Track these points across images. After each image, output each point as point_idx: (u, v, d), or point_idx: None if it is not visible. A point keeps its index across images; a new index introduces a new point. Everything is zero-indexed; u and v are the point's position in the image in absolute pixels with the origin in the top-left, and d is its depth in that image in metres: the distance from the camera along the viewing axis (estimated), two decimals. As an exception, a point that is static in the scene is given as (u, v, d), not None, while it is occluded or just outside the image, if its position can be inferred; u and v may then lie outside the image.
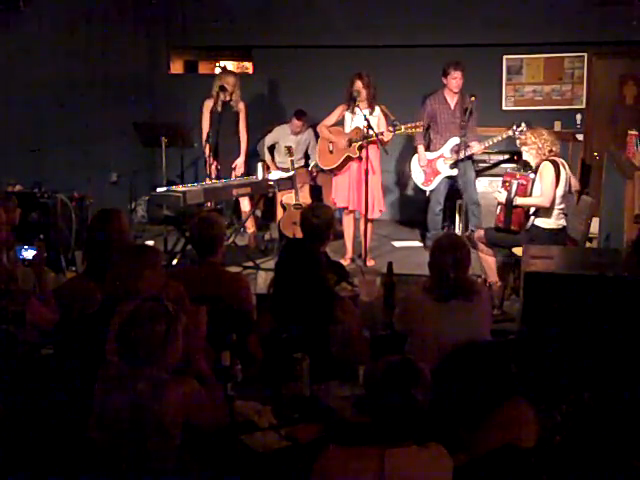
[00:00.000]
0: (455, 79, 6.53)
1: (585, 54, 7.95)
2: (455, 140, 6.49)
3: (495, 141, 6.52)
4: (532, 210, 5.16)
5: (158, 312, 2.56)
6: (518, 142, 5.39)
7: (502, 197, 5.16)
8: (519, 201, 5.10)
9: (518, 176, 5.15)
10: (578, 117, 8.00)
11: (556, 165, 5.06)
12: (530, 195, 5.10)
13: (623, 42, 7.69)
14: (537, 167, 5.13)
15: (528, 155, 5.22)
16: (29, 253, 4.14)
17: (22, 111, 6.47)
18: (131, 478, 2.47)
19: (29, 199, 5.58)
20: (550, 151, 5.12)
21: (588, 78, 7.98)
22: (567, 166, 5.22)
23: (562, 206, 5.15)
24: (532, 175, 5.15)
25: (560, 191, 5.08)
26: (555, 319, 3.71)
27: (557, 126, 7.92)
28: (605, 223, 5.81)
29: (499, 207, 5.24)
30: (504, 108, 8.13)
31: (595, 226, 5.84)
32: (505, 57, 8.09)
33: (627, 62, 7.96)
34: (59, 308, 3.43)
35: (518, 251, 5.00)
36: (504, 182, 5.21)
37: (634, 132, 5.39)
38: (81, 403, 2.65)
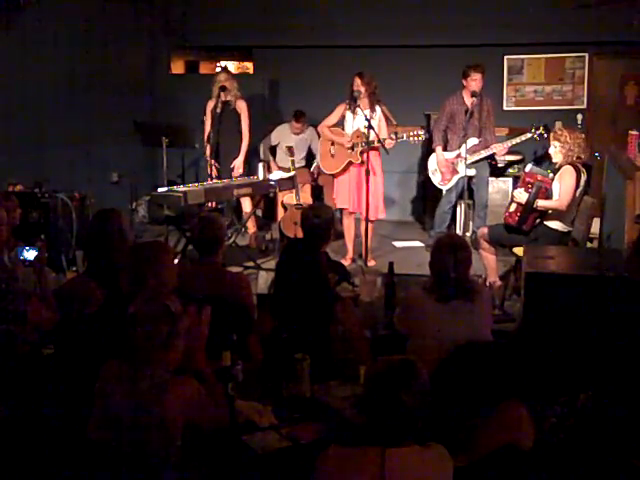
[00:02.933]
0: (475, 81, 6.48)
1: (586, 54, 7.94)
2: (473, 140, 6.47)
3: (514, 143, 6.49)
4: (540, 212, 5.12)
5: (161, 313, 2.56)
6: (552, 135, 5.31)
7: (523, 198, 5.04)
8: (540, 203, 5.02)
9: (539, 178, 5.05)
10: (579, 117, 7.98)
11: (578, 171, 5.03)
12: (550, 197, 5.06)
13: (624, 42, 7.69)
14: (559, 167, 5.09)
15: (556, 152, 5.15)
16: (30, 254, 4.13)
17: (22, 111, 6.48)
18: (131, 478, 2.47)
19: (30, 199, 5.58)
20: (578, 157, 5.06)
21: (589, 78, 7.98)
22: (585, 173, 5.19)
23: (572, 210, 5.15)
24: (550, 175, 5.12)
25: (575, 196, 5.07)
26: (555, 319, 3.71)
27: (558, 126, 7.91)
28: (606, 223, 5.81)
29: (514, 205, 5.12)
30: (505, 108, 8.12)
31: (596, 226, 5.83)
32: (506, 57, 8.09)
33: (628, 62, 7.95)
34: (59, 308, 3.43)
35: (519, 251, 5.00)
36: (526, 183, 5.07)
37: (635, 132, 5.39)
38: (81, 403, 2.65)
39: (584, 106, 8.03)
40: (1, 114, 6.23)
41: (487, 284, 5.24)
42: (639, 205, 4.75)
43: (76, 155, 7.11)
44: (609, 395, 3.22)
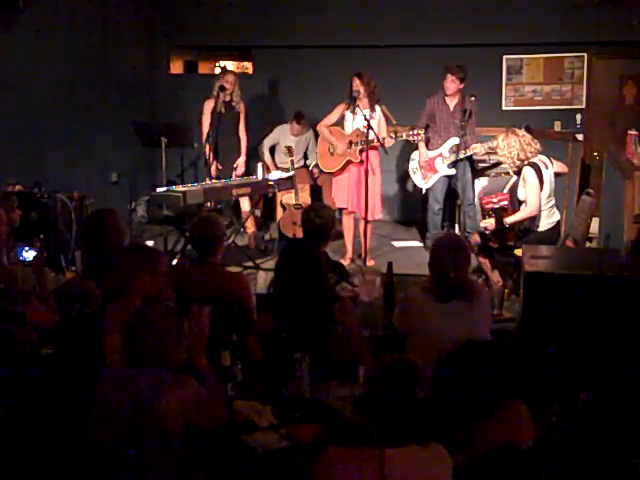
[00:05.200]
0: (446, 82, 6.54)
1: (585, 54, 7.95)
2: (454, 140, 6.48)
3: (492, 145, 6.48)
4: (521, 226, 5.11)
5: (169, 315, 2.56)
6: (494, 144, 5.35)
7: (492, 225, 5.03)
8: (509, 220, 5.02)
9: (496, 200, 5.04)
10: (578, 117, 8.00)
11: (537, 168, 5.01)
12: (517, 204, 5.04)
13: (623, 42, 7.69)
14: (519, 170, 5.09)
15: (504, 161, 5.20)
16: (29, 254, 4.14)
17: (22, 111, 6.48)
18: (131, 478, 2.47)
19: (29, 199, 5.57)
20: (526, 158, 5.01)
21: (588, 78, 7.98)
22: (549, 161, 5.15)
23: (551, 203, 5.14)
24: (513, 179, 5.12)
25: (546, 192, 5.05)
26: (555, 319, 3.71)
27: (557, 126, 7.93)
28: (605, 223, 5.81)
29: (489, 233, 5.10)
30: (504, 108, 8.13)
31: (595, 226, 5.84)
32: (505, 57, 8.09)
33: (627, 62, 7.96)
34: (59, 308, 3.43)
35: (518, 251, 5.00)
36: (487, 211, 5.05)
37: (634, 132, 5.39)
38: (81, 403, 2.65)
39: (583, 106, 8.03)
40: (1, 114, 6.23)
41: (491, 284, 5.22)
42: (638, 205, 4.75)
43: (75, 155, 7.11)
44: (609, 394, 3.22)
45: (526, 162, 5.02)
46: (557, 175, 5.25)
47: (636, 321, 3.58)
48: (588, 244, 5.78)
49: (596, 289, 3.69)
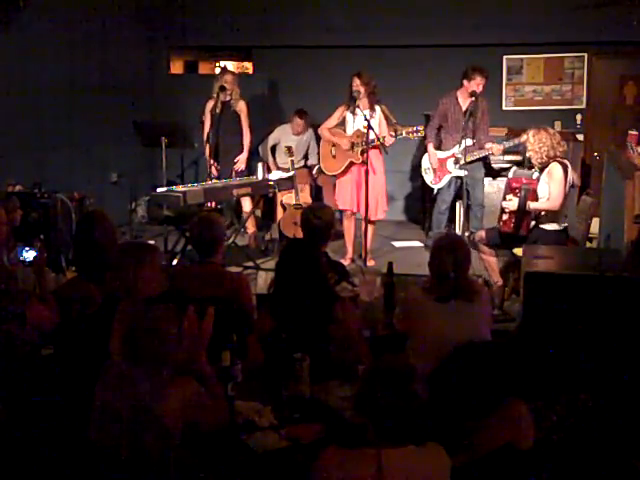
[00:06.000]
0: (479, 85, 6.48)
1: (585, 54, 7.96)
2: (468, 141, 6.46)
3: (511, 144, 6.46)
4: (534, 214, 5.10)
5: (169, 314, 2.56)
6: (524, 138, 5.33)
7: (514, 204, 4.98)
8: (532, 206, 4.98)
9: (525, 181, 5.03)
10: (578, 117, 8.00)
11: (565, 167, 5.02)
12: (537, 197, 5.06)
13: (623, 42, 7.70)
14: (544, 167, 5.08)
15: (530, 156, 5.17)
16: (29, 254, 4.14)
17: (22, 111, 6.48)
18: (131, 478, 2.47)
19: (29, 199, 5.57)
20: (555, 156, 5.01)
21: (588, 78, 7.99)
22: (570, 166, 5.18)
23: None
24: (535, 175, 5.11)
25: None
26: (555, 319, 3.71)
27: (557, 126, 7.90)
28: (605, 223, 5.81)
29: (507, 214, 5.07)
30: (504, 108, 8.13)
31: (595, 226, 5.84)
32: (505, 57, 8.10)
33: (627, 62, 7.97)
34: (59, 308, 3.43)
35: (519, 251, 5.00)
36: (513, 189, 5.03)
37: (634, 132, 5.39)
38: (81, 403, 2.65)
39: (583, 106, 8.04)
40: (1, 114, 6.23)
41: (487, 284, 5.22)
42: (638, 205, 4.75)
43: (75, 155, 7.12)
44: (609, 395, 3.22)
45: (552, 161, 5.02)
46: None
47: (636, 321, 3.58)
48: (588, 244, 5.78)
49: (596, 289, 3.69)
